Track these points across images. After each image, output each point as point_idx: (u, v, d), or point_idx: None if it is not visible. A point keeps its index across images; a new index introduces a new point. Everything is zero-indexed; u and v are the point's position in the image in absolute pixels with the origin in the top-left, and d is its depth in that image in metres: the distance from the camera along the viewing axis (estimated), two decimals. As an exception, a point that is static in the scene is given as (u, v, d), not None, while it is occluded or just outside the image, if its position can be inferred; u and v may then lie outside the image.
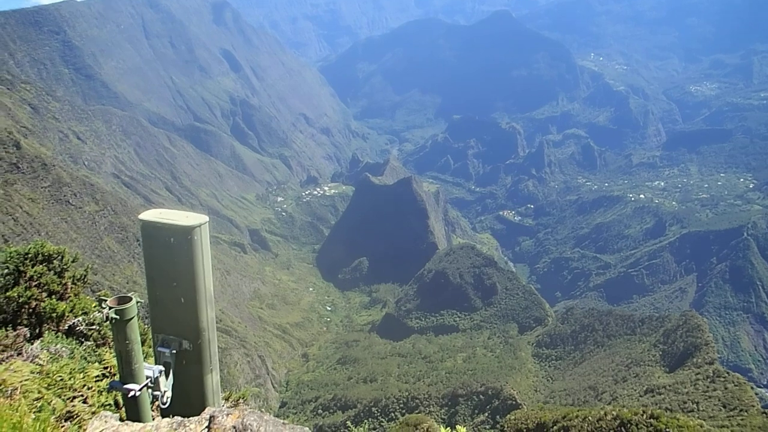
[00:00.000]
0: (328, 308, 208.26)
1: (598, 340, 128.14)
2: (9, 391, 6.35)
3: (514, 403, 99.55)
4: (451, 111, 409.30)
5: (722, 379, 75.45)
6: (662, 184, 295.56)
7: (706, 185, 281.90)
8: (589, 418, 41.92)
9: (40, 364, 7.83)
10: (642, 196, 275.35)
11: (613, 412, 41.55)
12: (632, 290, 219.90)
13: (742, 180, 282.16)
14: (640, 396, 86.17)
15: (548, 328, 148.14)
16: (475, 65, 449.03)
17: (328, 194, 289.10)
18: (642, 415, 39.42)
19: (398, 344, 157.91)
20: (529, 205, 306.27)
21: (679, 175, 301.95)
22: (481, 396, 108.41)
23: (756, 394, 78.13)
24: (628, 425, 38.63)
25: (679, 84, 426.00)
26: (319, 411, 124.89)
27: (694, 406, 70.72)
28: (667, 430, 36.24)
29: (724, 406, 67.27)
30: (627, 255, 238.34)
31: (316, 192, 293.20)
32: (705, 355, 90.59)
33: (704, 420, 46.86)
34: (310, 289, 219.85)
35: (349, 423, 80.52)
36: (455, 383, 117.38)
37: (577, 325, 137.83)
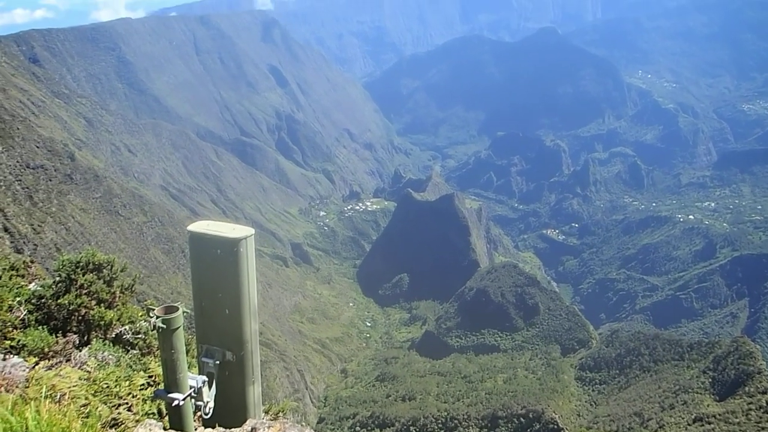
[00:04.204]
0: (368, 324, 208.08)
1: (645, 364, 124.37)
2: (58, 397, 6.49)
3: (555, 427, 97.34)
4: (494, 128, 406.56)
5: (776, 410, 72.24)
6: (713, 204, 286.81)
7: (760, 206, 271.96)
8: (634, 444, 40.60)
9: (87, 371, 7.99)
10: (691, 216, 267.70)
11: (660, 440, 40.17)
12: (680, 314, 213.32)
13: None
14: (689, 424, 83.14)
15: (592, 350, 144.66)
16: (519, 82, 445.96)
17: (370, 209, 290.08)
18: (690, 444, 37.99)
19: (438, 363, 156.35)
20: (573, 224, 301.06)
21: (731, 196, 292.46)
22: (521, 419, 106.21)
23: (813, 426, 74.36)
24: (676, 454, 37.25)
25: (731, 102, 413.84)
26: (357, 428, 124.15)
27: (746, 436, 67.88)
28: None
29: (778, 438, 64.34)
30: (675, 277, 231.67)
31: (358, 207, 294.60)
32: (758, 383, 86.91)
33: (757, 451, 44.86)
34: (350, 304, 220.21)
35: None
36: (495, 404, 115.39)
37: (623, 348, 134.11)
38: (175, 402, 5.44)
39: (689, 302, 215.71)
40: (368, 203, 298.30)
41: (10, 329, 9.26)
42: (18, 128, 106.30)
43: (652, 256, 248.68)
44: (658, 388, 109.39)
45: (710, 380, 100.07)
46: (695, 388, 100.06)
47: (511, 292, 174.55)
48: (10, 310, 9.70)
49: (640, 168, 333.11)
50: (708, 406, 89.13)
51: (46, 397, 6.22)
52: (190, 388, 5.57)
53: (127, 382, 7.70)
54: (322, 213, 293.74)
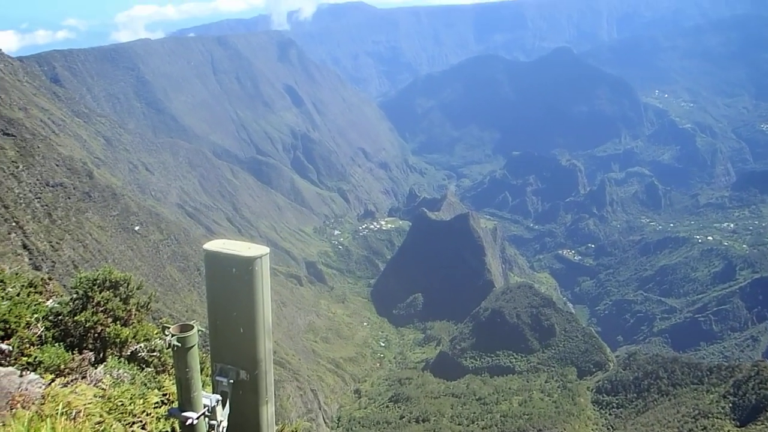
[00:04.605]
0: (382, 344, 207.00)
1: (663, 388, 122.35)
2: (73, 414, 6.52)
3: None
4: (510, 147, 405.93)
5: (799, 436, 70.67)
6: (732, 225, 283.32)
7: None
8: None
9: (102, 388, 8.03)
10: (710, 238, 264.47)
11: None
12: (699, 337, 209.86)
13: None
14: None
15: (609, 373, 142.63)
16: (535, 101, 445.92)
17: (384, 228, 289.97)
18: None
19: (452, 384, 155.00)
20: (589, 245, 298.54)
21: (750, 217, 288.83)
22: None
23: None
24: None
25: (750, 122, 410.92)
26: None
27: (768, 463, 66.36)
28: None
29: (802, 465, 62.83)
30: (694, 299, 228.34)
31: (372, 226, 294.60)
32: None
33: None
34: (365, 323, 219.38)
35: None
36: (510, 427, 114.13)
37: (640, 371, 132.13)
38: (189, 421, 5.43)
39: (708, 325, 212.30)
40: (383, 222, 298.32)
41: (28, 346, 9.34)
42: (39, 147, 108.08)
43: (670, 278, 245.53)
44: (677, 412, 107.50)
45: (731, 405, 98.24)
46: (715, 413, 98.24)
47: (527, 313, 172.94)
48: (28, 327, 9.79)
49: (657, 188, 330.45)
50: (728, 431, 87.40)
51: (61, 414, 6.25)
52: (204, 407, 5.56)
53: (142, 400, 7.72)
54: (336, 232, 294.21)
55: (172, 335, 5.24)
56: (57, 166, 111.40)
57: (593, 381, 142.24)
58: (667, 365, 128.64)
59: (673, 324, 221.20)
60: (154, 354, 10.56)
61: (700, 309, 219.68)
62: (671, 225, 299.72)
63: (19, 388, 7.24)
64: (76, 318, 10.30)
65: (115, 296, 11.01)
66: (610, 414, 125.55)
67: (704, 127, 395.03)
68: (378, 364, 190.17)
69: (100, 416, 6.88)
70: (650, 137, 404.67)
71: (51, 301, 11.38)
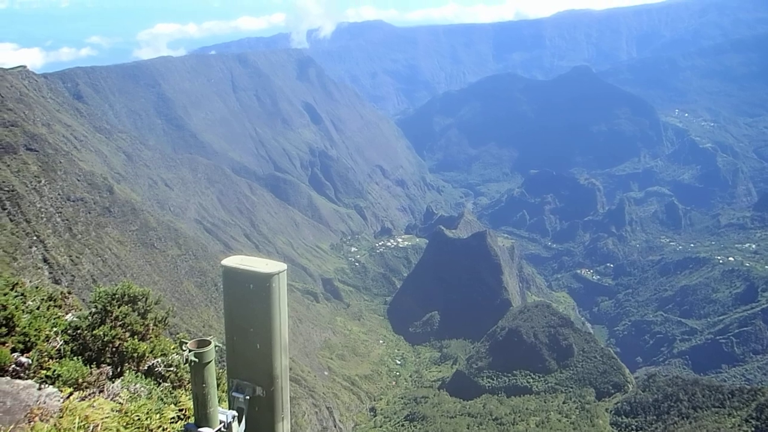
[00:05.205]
0: (398, 362, 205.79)
1: (683, 411, 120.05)
2: (91, 428, 6.55)
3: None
4: (528, 165, 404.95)
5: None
6: (753, 246, 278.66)
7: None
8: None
9: (120, 403, 8.06)
10: (731, 258, 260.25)
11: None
12: (721, 359, 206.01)
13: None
14: (731, 475, 79.69)
15: (628, 395, 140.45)
16: (553, 120, 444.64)
17: (401, 246, 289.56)
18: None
19: (468, 403, 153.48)
20: (608, 264, 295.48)
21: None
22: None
23: None
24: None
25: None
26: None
27: (793, 490, 64.65)
28: None
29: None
30: (715, 321, 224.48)
31: (389, 243, 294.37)
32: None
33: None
34: (381, 341, 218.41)
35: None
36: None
37: (660, 393, 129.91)
38: (205, 437, 5.44)
39: (730, 347, 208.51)
40: (400, 240, 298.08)
41: (47, 359, 9.42)
42: (61, 162, 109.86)
43: (691, 299, 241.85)
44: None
45: (753, 429, 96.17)
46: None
47: (544, 333, 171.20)
48: (47, 340, 9.89)
49: (677, 208, 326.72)
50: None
51: (79, 427, 6.29)
52: (220, 423, 5.57)
53: (158, 415, 7.74)
54: (353, 249, 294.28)
55: (190, 350, 5.27)
56: (78, 181, 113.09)
57: (612, 402, 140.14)
58: (688, 387, 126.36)
59: (693, 345, 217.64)
60: (171, 369, 10.59)
61: (722, 330, 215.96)
62: (691, 245, 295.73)
63: (37, 401, 7.30)
64: (94, 332, 10.38)
65: (134, 311, 11.09)
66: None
67: (725, 146, 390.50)
68: (394, 383, 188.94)
69: (117, 430, 6.91)
70: (670, 156, 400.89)
71: (70, 315, 11.49)
